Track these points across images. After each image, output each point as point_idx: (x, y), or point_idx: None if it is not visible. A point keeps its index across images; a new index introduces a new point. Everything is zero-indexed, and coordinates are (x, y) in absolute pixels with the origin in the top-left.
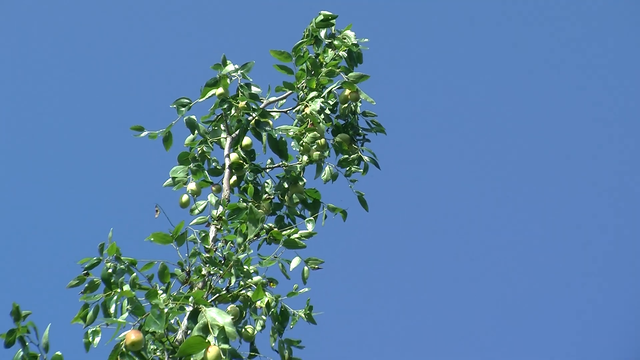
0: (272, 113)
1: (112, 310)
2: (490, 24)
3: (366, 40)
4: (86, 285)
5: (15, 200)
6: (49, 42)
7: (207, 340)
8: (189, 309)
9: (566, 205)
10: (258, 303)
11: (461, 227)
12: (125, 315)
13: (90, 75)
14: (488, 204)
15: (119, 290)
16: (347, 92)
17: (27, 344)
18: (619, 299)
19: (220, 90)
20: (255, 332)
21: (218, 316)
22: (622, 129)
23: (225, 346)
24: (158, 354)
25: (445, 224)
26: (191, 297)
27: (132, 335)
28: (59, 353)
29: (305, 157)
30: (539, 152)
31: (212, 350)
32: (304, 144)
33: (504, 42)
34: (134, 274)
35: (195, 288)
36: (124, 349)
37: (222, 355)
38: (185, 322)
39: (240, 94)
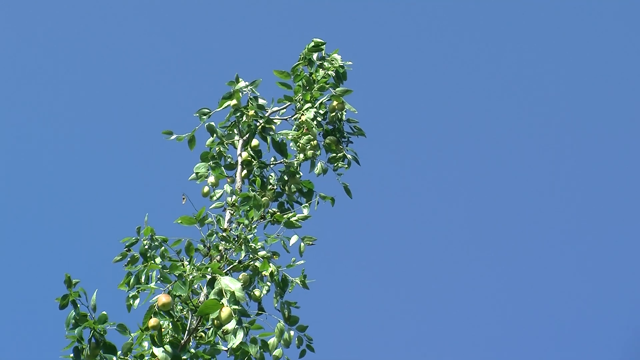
0: (274, 120)
1: (142, 279)
2: (457, 41)
3: (350, 62)
4: (128, 259)
5: (69, 196)
6: (105, 64)
7: (221, 303)
8: (208, 277)
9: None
10: (264, 272)
11: (425, 208)
12: (154, 282)
13: (144, 94)
14: (451, 193)
15: (153, 262)
16: (335, 103)
17: (78, 305)
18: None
19: (234, 101)
20: (262, 295)
21: (230, 283)
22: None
23: (236, 307)
24: (184, 313)
25: (413, 207)
26: (209, 268)
27: (162, 298)
28: (104, 312)
29: (301, 155)
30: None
31: (225, 311)
32: (300, 144)
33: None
34: (163, 248)
35: (214, 261)
36: (156, 309)
37: (233, 314)
38: (205, 288)
39: (249, 104)
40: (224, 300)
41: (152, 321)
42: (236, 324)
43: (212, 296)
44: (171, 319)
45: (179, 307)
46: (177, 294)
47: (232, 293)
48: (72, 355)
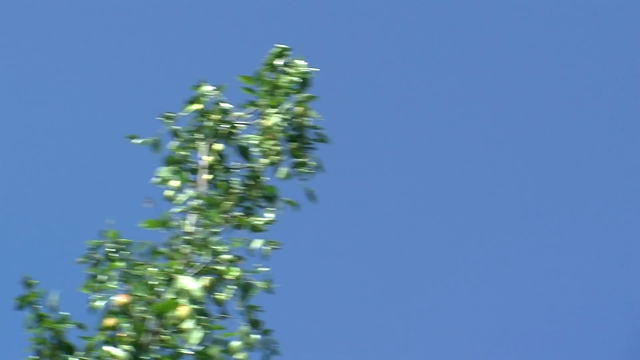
0: (239, 125)
1: (103, 279)
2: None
3: (315, 69)
4: (92, 262)
5: (36, 200)
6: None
7: (179, 302)
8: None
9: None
10: (228, 276)
11: (392, 212)
12: (114, 283)
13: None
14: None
15: (117, 264)
16: (299, 109)
17: (37, 306)
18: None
19: (198, 106)
20: (225, 299)
21: (188, 282)
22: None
23: (193, 306)
24: (146, 315)
25: (372, 207)
26: (170, 268)
27: (120, 298)
28: (65, 313)
29: (265, 160)
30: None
31: (183, 310)
32: (264, 150)
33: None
34: (127, 252)
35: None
36: (113, 309)
37: (190, 313)
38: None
39: (214, 109)
40: (182, 300)
41: (109, 321)
42: (194, 323)
43: (170, 295)
44: (130, 319)
45: (139, 307)
46: (137, 294)
47: (190, 292)
48: (33, 357)
